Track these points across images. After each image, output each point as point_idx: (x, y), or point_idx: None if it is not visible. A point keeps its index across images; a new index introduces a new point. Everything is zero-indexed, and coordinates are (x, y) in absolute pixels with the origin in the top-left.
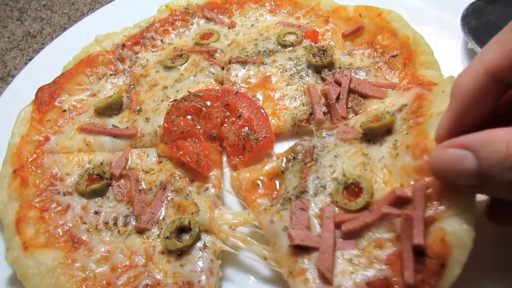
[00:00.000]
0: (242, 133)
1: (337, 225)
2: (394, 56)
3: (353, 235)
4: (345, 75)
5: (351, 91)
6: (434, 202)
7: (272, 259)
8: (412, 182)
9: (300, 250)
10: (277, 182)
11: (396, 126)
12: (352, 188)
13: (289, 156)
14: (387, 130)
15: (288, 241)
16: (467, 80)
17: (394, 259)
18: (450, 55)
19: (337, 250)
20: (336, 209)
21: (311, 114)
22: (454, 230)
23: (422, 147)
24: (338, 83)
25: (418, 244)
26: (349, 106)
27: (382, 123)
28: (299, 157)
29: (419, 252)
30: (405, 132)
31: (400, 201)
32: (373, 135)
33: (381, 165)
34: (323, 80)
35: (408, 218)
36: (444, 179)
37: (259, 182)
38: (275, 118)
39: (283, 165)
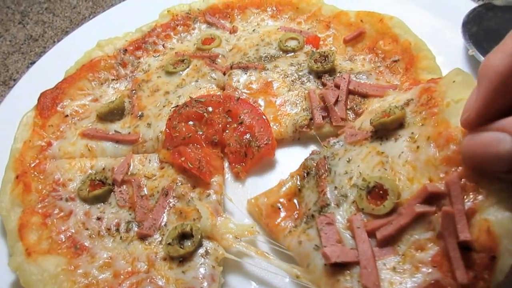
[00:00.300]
0: (244, 140)
1: (370, 234)
2: (395, 61)
3: (389, 241)
4: (344, 77)
5: (350, 92)
6: (471, 193)
7: (307, 280)
8: (442, 175)
9: (338, 267)
10: (295, 201)
11: (408, 119)
12: (375, 192)
13: (302, 172)
14: (399, 125)
15: (323, 260)
16: (499, 59)
17: (440, 260)
18: (451, 62)
19: (377, 260)
20: (363, 216)
21: (311, 119)
22: (498, 220)
23: (446, 136)
24: (337, 86)
25: (464, 240)
26: (348, 107)
27: (394, 117)
28: (312, 172)
29: (465, 248)
30: (421, 124)
31: (432, 198)
32: (385, 131)
33: (402, 161)
34: (324, 85)
35: (448, 214)
36: (478, 165)
37: (279, 205)
38: (277, 124)
39: (298, 183)
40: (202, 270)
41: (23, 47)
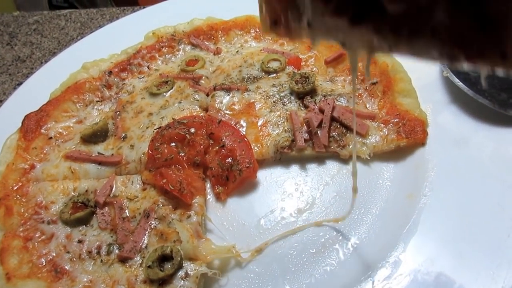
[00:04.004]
0: (226, 164)
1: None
2: (374, 84)
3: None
4: (328, 103)
5: (334, 119)
6: None
7: None
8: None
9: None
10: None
11: None
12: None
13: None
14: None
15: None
16: None
17: None
18: (426, 83)
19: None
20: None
21: (293, 140)
22: None
23: None
24: (322, 111)
25: None
26: (331, 135)
27: None
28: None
29: None
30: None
31: None
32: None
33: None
34: (306, 107)
35: None
36: None
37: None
38: (258, 145)
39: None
40: None
41: (10, 68)
